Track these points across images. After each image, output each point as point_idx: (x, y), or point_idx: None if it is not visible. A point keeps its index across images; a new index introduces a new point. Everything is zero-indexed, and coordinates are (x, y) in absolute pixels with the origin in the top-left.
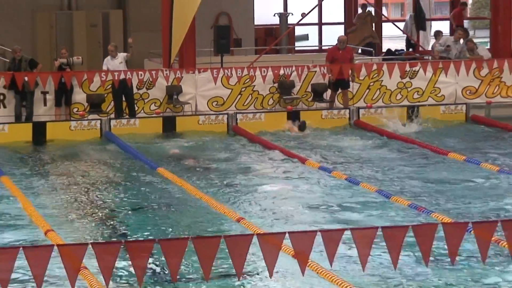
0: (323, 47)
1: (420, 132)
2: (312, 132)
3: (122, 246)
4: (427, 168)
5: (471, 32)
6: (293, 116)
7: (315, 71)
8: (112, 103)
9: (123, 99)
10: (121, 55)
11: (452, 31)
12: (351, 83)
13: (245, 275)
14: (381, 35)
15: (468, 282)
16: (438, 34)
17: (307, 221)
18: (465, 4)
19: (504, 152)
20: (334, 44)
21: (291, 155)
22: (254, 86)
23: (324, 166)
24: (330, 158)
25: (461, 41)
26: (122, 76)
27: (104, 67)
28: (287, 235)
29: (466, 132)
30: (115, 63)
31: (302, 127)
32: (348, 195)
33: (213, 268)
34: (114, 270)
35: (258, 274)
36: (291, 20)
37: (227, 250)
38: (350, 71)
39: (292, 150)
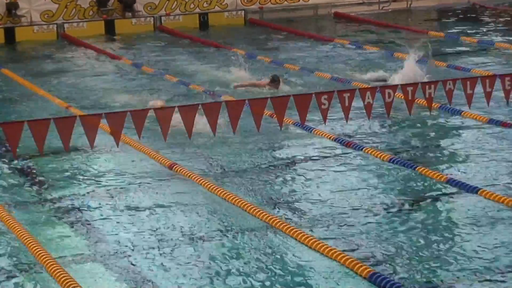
0: None
1: (208, 33)
2: (124, 36)
3: None
4: (214, 60)
5: None
6: (109, 24)
7: None
8: None
9: None
10: None
11: None
12: None
13: (72, 150)
14: None
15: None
16: None
17: (119, 102)
18: None
19: (273, 45)
20: None
21: (107, 54)
22: (77, 0)
23: (136, 63)
24: (138, 54)
25: None
26: None
27: None
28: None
29: (245, 32)
30: None
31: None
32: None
33: (46, 145)
34: None
35: (82, 148)
36: None
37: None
38: None
39: (107, 50)
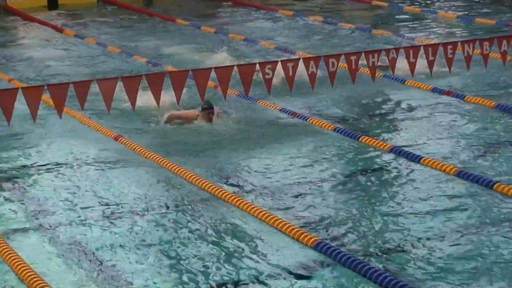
0: None
1: (153, 4)
2: (67, 8)
3: None
4: (158, 32)
5: None
6: None
7: None
8: None
9: None
10: None
11: None
12: None
13: (14, 122)
14: None
15: None
16: None
17: (63, 74)
18: None
19: (218, 15)
20: None
21: (50, 26)
22: None
23: (79, 34)
24: (81, 26)
25: None
26: None
27: None
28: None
29: (190, 3)
30: None
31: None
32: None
33: None
34: None
35: (25, 121)
36: None
37: None
38: None
39: (50, 22)
